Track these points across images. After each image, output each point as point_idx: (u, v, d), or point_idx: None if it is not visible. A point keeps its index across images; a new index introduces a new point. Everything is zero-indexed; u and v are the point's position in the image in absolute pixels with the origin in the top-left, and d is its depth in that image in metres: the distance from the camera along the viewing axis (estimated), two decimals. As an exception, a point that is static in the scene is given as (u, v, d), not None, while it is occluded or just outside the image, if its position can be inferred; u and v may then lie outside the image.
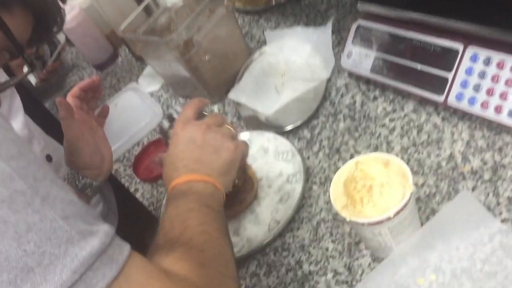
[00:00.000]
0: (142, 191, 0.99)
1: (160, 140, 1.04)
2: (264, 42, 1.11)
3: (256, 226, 0.78)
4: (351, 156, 0.80)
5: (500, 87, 0.68)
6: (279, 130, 0.90)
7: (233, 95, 1.00)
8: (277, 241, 0.76)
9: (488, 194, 0.66)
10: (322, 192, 0.78)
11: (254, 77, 1.02)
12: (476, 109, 0.71)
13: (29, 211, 0.40)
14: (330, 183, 0.73)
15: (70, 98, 0.81)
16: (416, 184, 0.71)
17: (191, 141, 0.65)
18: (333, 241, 0.72)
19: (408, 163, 0.74)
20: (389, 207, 0.60)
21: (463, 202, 0.65)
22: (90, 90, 0.85)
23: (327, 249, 0.71)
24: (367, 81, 0.89)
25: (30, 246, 0.39)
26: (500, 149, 0.69)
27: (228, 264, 0.56)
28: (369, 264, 0.67)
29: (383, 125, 0.81)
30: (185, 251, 0.52)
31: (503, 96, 0.68)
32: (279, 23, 1.15)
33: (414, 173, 0.72)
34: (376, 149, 0.78)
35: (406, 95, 0.82)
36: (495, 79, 0.68)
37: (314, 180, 0.80)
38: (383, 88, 0.86)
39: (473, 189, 0.67)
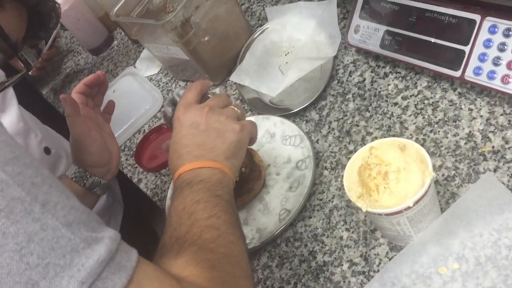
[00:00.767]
0: (146, 182, 0.96)
1: (162, 127, 1.00)
2: (265, 19, 1.05)
3: (266, 216, 0.75)
4: (363, 138, 0.76)
5: (522, 60, 0.63)
6: (285, 112, 0.85)
7: (235, 77, 0.95)
8: (288, 231, 0.73)
9: (511, 175, 0.62)
10: (334, 177, 0.74)
11: (256, 57, 0.97)
12: (496, 84, 0.66)
13: (29, 220, 0.37)
14: (341, 168, 0.70)
15: (75, 94, 0.79)
16: (434, 167, 0.67)
17: (193, 125, 0.62)
18: (347, 230, 0.68)
19: (424, 144, 0.70)
20: (407, 195, 0.56)
21: (485, 185, 0.61)
22: (95, 86, 0.82)
23: (341, 238, 0.68)
24: (377, 57, 0.84)
25: (33, 258, 0.37)
26: (523, 126, 0.65)
27: (240, 262, 0.53)
28: (387, 253, 0.64)
29: (396, 104, 0.77)
30: (194, 253, 0.49)
31: (526, 69, 0.63)
32: (280, -3, 1.09)
33: (431, 154, 0.68)
34: (388, 129, 0.74)
35: (419, 71, 0.78)
36: (516, 51, 0.64)
37: (324, 165, 0.76)
38: (394, 64, 0.81)
39: (495, 170, 0.63)
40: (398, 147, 0.59)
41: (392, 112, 0.76)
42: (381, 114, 0.77)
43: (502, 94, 0.67)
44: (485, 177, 0.62)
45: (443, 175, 0.66)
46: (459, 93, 0.72)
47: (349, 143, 0.76)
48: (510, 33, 0.64)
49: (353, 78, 0.84)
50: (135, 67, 1.21)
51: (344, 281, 0.64)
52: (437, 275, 0.58)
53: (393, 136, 0.73)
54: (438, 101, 0.73)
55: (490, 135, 0.66)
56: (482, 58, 0.67)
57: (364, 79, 0.83)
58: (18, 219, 0.37)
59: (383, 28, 0.79)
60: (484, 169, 0.64)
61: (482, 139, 0.66)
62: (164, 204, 0.86)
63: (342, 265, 0.66)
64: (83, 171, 0.76)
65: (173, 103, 0.69)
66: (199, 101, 0.66)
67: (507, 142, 0.64)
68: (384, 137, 0.71)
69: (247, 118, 0.87)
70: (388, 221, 0.57)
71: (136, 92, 1.13)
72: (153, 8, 1.00)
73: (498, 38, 0.66)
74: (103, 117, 0.83)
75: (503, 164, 0.63)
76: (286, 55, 0.95)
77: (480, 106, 0.69)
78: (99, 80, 0.82)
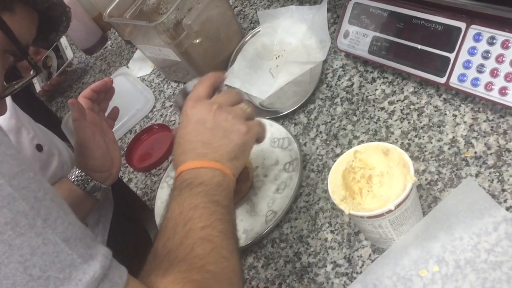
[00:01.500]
0: (136, 181, 0.96)
1: (153, 127, 1.01)
2: (257, 22, 1.07)
3: (253, 217, 0.76)
4: (349, 142, 0.77)
5: (505, 68, 0.65)
6: (274, 114, 0.87)
7: (226, 79, 0.96)
8: (274, 232, 0.74)
9: (492, 181, 0.63)
10: (320, 180, 0.75)
11: (247, 60, 0.98)
12: (480, 91, 0.67)
13: (33, 233, 0.39)
14: (328, 170, 0.71)
15: (81, 99, 0.80)
16: (417, 171, 0.68)
17: (200, 122, 0.61)
18: (332, 232, 0.69)
19: (408, 148, 0.71)
20: (390, 198, 0.57)
21: (466, 189, 0.63)
22: (102, 92, 0.83)
23: (326, 240, 0.69)
24: (365, 62, 0.85)
25: (36, 270, 0.38)
26: (505, 133, 0.66)
27: (230, 279, 0.52)
28: (370, 255, 0.65)
29: (382, 109, 0.78)
30: (182, 272, 0.49)
31: (508, 77, 0.64)
32: (272, 1, 1.10)
33: (415, 158, 0.70)
34: (375, 134, 0.76)
35: (406, 77, 0.79)
36: (499, 59, 0.65)
37: (311, 167, 0.77)
38: (382, 69, 0.83)
39: (477, 175, 0.64)
40: (382, 151, 0.60)
41: (379, 116, 0.77)
42: (368, 119, 0.78)
43: (485, 101, 0.68)
44: (466, 182, 0.63)
45: (426, 179, 0.67)
46: (444, 99, 0.74)
47: (336, 147, 0.78)
48: (494, 41, 0.66)
49: (342, 83, 0.85)
50: (128, 67, 1.22)
51: (327, 282, 0.65)
52: (418, 278, 0.60)
53: (379, 140, 0.74)
54: (423, 107, 0.74)
55: (473, 141, 0.68)
56: (466, 65, 0.69)
57: (353, 84, 0.84)
58: (22, 232, 0.38)
59: (371, 33, 0.80)
60: (466, 174, 0.65)
61: (465, 144, 0.68)
62: (153, 204, 0.87)
63: (326, 266, 0.67)
64: (85, 175, 0.78)
65: (185, 94, 0.69)
66: (210, 95, 0.65)
67: (489, 148, 0.66)
68: (371, 141, 0.72)
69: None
70: (370, 223, 0.58)
71: (128, 92, 1.14)
72: (146, 9, 1.01)
73: (482, 46, 0.67)
74: (107, 122, 0.84)
75: (485, 170, 0.64)
76: (276, 58, 0.96)
77: (464, 112, 0.71)
78: (107, 86, 0.83)
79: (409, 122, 0.74)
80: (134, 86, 1.14)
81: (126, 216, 1.13)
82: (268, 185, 0.78)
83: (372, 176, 0.60)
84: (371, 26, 0.80)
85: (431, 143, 0.70)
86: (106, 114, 0.86)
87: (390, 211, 0.55)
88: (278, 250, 0.72)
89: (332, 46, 0.91)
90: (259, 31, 1.03)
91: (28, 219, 0.39)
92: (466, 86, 0.69)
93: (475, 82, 0.68)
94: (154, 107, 1.08)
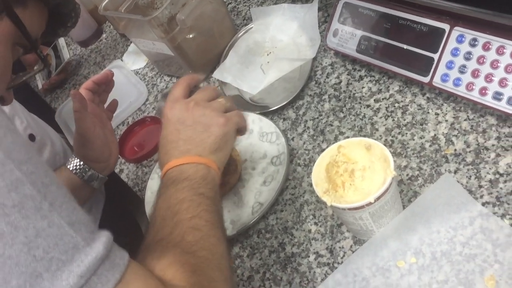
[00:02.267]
0: (127, 172, 0.98)
1: (146, 120, 1.03)
2: (250, 19, 1.09)
3: (240, 209, 0.78)
4: (336, 138, 0.79)
5: (485, 69, 0.67)
6: (264, 110, 0.89)
7: (218, 74, 0.99)
8: (260, 223, 0.76)
9: (470, 177, 0.65)
10: (306, 174, 0.78)
11: (239, 56, 1.00)
12: (461, 91, 0.70)
13: (38, 216, 0.40)
14: (314, 165, 0.73)
15: (83, 90, 0.82)
16: (399, 167, 0.71)
17: (179, 121, 0.63)
18: (316, 223, 0.72)
19: (391, 145, 0.74)
20: (370, 191, 0.59)
21: (444, 185, 0.65)
22: (103, 84, 0.85)
23: (309, 231, 0.71)
24: (353, 61, 0.87)
25: (39, 251, 0.39)
26: (484, 131, 0.69)
27: (219, 265, 0.54)
28: (351, 246, 0.67)
29: (368, 106, 0.80)
30: (177, 254, 0.51)
31: (488, 78, 0.67)
32: (265, -1, 1.12)
33: (398, 155, 0.72)
34: (360, 130, 0.78)
35: (392, 75, 0.81)
36: (480, 60, 0.67)
37: (298, 161, 0.80)
38: (369, 68, 0.85)
39: (456, 171, 0.67)
40: (365, 146, 0.63)
41: (365, 113, 0.80)
42: (354, 115, 0.80)
43: (466, 101, 0.71)
44: (444, 178, 0.66)
45: (407, 175, 0.70)
46: (428, 98, 0.76)
47: (322, 142, 0.80)
48: (476, 43, 0.68)
49: (330, 80, 0.88)
50: (122, 60, 1.23)
51: (309, 272, 0.68)
52: (396, 268, 0.62)
53: (364, 136, 0.77)
54: (407, 105, 0.77)
55: (453, 138, 0.70)
56: (449, 65, 0.71)
57: (341, 81, 0.86)
58: (28, 214, 0.39)
59: (360, 33, 0.82)
60: (445, 170, 0.67)
61: (445, 142, 0.70)
62: (143, 194, 0.89)
63: (309, 256, 0.69)
64: (84, 165, 0.80)
65: (166, 98, 0.71)
66: (187, 95, 0.66)
67: (468, 146, 0.68)
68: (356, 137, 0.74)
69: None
70: (351, 215, 0.61)
71: (122, 85, 1.15)
72: (141, 4, 1.03)
73: (465, 47, 0.69)
74: (106, 114, 0.86)
75: (463, 167, 0.67)
76: (268, 55, 0.99)
77: (446, 111, 0.73)
78: (107, 79, 0.85)
79: (393, 120, 0.76)
80: (127, 79, 1.16)
81: (117, 207, 1.15)
82: (256, 178, 0.80)
83: (354, 170, 0.62)
84: (359, 25, 0.82)
85: (414, 140, 0.73)
86: (105, 106, 0.88)
87: (370, 203, 0.58)
88: (263, 241, 0.74)
89: (322, 44, 0.93)
90: (251, 27, 1.05)
91: (35, 202, 0.40)
92: (449, 86, 0.71)
93: (457, 82, 0.70)
94: (147, 100, 1.09)
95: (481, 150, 0.67)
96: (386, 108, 0.78)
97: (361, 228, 0.63)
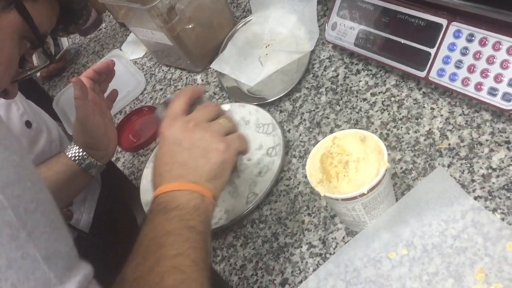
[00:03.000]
0: (123, 160, 0.99)
1: (143, 109, 1.03)
2: (249, 11, 1.09)
3: (235, 198, 0.78)
4: (331, 130, 0.80)
5: (481, 65, 0.67)
6: (261, 101, 0.89)
7: (216, 65, 0.99)
8: (254, 213, 0.76)
9: (463, 171, 0.66)
10: (301, 165, 0.78)
11: (238, 48, 1.01)
12: (457, 86, 0.70)
13: (13, 245, 0.37)
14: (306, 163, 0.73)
15: (84, 79, 0.82)
16: (393, 160, 0.71)
17: (176, 142, 0.60)
18: (309, 214, 0.72)
19: (386, 138, 0.74)
20: (364, 183, 0.60)
21: (438, 178, 0.66)
22: (104, 73, 0.85)
23: (303, 222, 0.72)
24: (351, 54, 0.88)
25: (7, 284, 0.36)
26: (478, 127, 0.69)
27: None
28: (343, 237, 0.68)
29: (365, 100, 0.81)
30: None
31: (484, 73, 0.67)
32: (265, -9, 1.12)
33: (392, 148, 0.72)
34: (356, 123, 0.78)
35: (389, 70, 0.82)
36: (477, 56, 0.68)
37: (293, 153, 0.80)
38: (366, 61, 0.85)
39: (449, 166, 0.67)
40: (359, 138, 0.63)
41: (361, 107, 0.80)
42: (350, 108, 0.81)
43: (462, 96, 0.71)
44: (437, 171, 0.66)
45: (401, 168, 0.70)
46: (424, 92, 0.77)
47: (318, 134, 0.80)
48: (473, 38, 0.68)
49: (328, 73, 0.88)
50: (121, 50, 1.24)
51: (302, 262, 0.68)
52: (387, 259, 0.63)
53: (360, 129, 0.77)
54: (403, 99, 0.77)
55: (448, 133, 0.70)
56: (446, 60, 0.71)
57: (338, 75, 0.87)
58: (3, 242, 0.37)
59: (358, 27, 0.83)
60: (439, 164, 0.68)
61: (440, 136, 0.71)
62: (139, 183, 0.89)
63: (302, 247, 0.70)
64: (82, 152, 0.81)
65: (166, 106, 0.69)
66: (187, 111, 0.63)
67: (462, 141, 0.69)
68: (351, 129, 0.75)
69: (225, 104, 0.91)
70: (344, 206, 0.61)
71: (120, 74, 1.15)
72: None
73: (461, 42, 0.70)
74: (106, 103, 0.86)
75: (457, 161, 0.67)
76: (266, 47, 0.99)
77: (442, 106, 0.74)
78: (108, 68, 0.86)
79: (389, 114, 0.77)
80: (126, 69, 1.16)
81: (112, 195, 1.15)
82: (251, 168, 0.81)
83: (348, 162, 0.63)
84: (358, 19, 0.83)
85: (409, 134, 0.73)
86: (105, 95, 0.88)
87: (363, 194, 0.58)
88: (257, 230, 0.74)
89: (320, 38, 0.93)
90: (250, 19, 1.05)
91: (12, 230, 0.37)
92: (444, 81, 0.72)
93: (453, 77, 0.71)
94: (144, 89, 1.10)
95: (475, 145, 0.68)
96: (382, 102, 0.79)
97: (354, 220, 0.64)
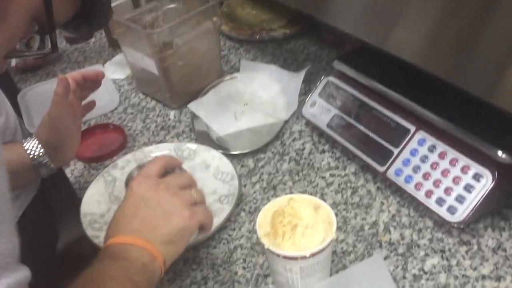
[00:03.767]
0: (73, 168, 0.97)
1: (108, 125, 1.03)
2: (237, 70, 1.14)
3: (175, 233, 0.78)
4: (285, 196, 0.82)
5: (436, 175, 0.73)
6: (226, 151, 0.91)
7: (193, 106, 1.01)
8: (190, 252, 0.76)
9: (397, 266, 0.69)
10: (248, 220, 0.79)
11: (218, 97, 1.04)
12: (410, 188, 0.75)
13: None
14: (258, 215, 0.75)
15: (70, 79, 0.81)
16: (336, 238, 0.74)
17: (142, 198, 0.61)
18: (244, 268, 0.72)
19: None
20: (307, 249, 0.62)
21: (373, 265, 0.68)
22: (90, 81, 0.85)
23: (236, 274, 0.72)
24: (321, 134, 0.93)
25: None
26: (420, 231, 0.74)
27: None
28: (271, 299, 0.68)
29: (323, 177, 0.84)
30: None
31: (436, 183, 0.73)
32: (256, 57, 1.18)
33: (338, 228, 0.75)
34: (310, 196, 0.81)
35: (352, 157, 0.87)
36: (434, 166, 0.74)
37: (244, 207, 0.82)
38: (333, 144, 0.90)
39: (386, 258, 0.71)
40: (313, 206, 0.66)
41: (318, 183, 0.84)
42: (308, 182, 0.84)
43: (411, 199, 0.76)
44: (374, 258, 0.69)
45: (342, 248, 0.73)
46: (378, 187, 0.81)
47: (272, 196, 0.83)
48: (434, 149, 0.75)
49: (295, 144, 0.92)
50: (103, 66, 1.25)
51: (224, 311, 0.68)
52: (308, 330, 0.63)
53: (312, 203, 0.80)
54: (358, 187, 0.82)
55: (391, 228, 0.74)
56: (405, 163, 0.77)
57: (304, 148, 0.91)
58: None
59: (334, 111, 0.88)
60: (377, 254, 0.71)
61: (383, 229, 0.74)
62: (82, 194, 0.87)
63: (228, 297, 0.69)
64: (40, 148, 0.79)
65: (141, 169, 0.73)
66: (161, 175, 0.65)
67: (403, 239, 0.73)
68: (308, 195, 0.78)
69: (191, 144, 0.92)
70: (282, 265, 0.62)
71: (96, 88, 1.16)
72: (141, 22, 1.06)
73: (423, 150, 0.76)
74: (81, 111, 0.86)
75: (394, 255, 0.71)
76: (244, 105, 1.03)
77: (391, 203, 0.78)
78: (97, 78, 0.86)
79: (342, 196, 0.81)
80: (103, 84, 1.13)
81: (45, 203, 1.11)
82: (200, 210, 0.81)
83: (297, 226, 0.65)
84: (336, 104, 0.88)
85: (356, 219, 0.77)
86: (83, 103, 0.88)
87: (305, 257, 0.60)
88: (188, 270, 0.74)
89: (296, 112, 0.98)
90: (236, 77, 1.10)
91: None
92: (400, 181, 0.77)
93: (408, 179, 0.76)
94: (115, 109, 1.10)
95: (413, 246, 0.72)
96: (339, 184, 0.83)
97: (287, 282, 0.65)
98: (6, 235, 0.41)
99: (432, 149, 0.75)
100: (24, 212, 1.00)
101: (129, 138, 1.01)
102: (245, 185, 0.86)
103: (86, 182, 0.93)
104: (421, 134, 0.77)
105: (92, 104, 0.90)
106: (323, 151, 0.90)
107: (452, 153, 0.73)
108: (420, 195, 0.74)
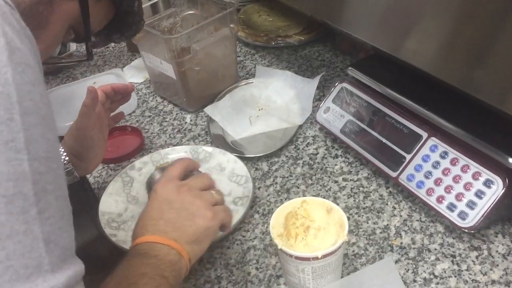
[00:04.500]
0: (91, 168, 0.99)
1: (126, 128, 1.06)
2: (253, 75, 1.16)
3: (190, 233, 0.80)
4: (298, 199, 0.84)
5: (447, 181, 0.74)
6: (240, 154, 0.93)
7: (209, 110, 1.04)
8: (205, 252, 0.77)
9: (408, 270, 0.70)
10: (262, 222, 0.81)
11: (233, 102, 1.06)
12: (421, 193, 0.76)
13: (21, 218, 0.38)
14: (271, 216, 0.77)
15: (99, 91, 0.82)
16: (348, 241, 0.75)
17: (167, 201, 0.64)
18: (257, 268, 0.74)
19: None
20: (319, 250, 0.63)
21: (384, 268, 0.70)
22: (120, 94, 0.87)
23: (249, 274, 0.73)
24: (334, 139, 0.94)
25: (2, 253, 0.37)
26: (431, 235, 0.75)
27: None
28: (283, 299, 0.70)
29: (336, 182, 0.86)
30: None
31: (448, 189, 0.74)
32: (272, 63, 1.21)
33: (350, 231, 0.77)
34: (322, 200, 0.83)
35: (364, 163, 0.88)
36: (445, 172, 0.75)
37: (257, 209, 0.83)
38: (346, 150, 0.92)
39: (397, 261, 0.72)
40: (326, 208, 0.67)
41: (331, 187, 0.85)
42: (321, 185, 0.86)
43: (423, 204, 0.77)
44: (385, 261, 0.71)
45: (353, 251, 0.74)
46: (390, 191, 0.82)
47: (285, 199, 0.84)
48: (446, 156, 0.76)
49: (309, 149, 0.94)
50: (122, 70, 1.28)
51: (237, 310, 0.69)
52: (319, 330, 0.65)
53: (324, 206, 0.82)
54: (371, 192, 0.83)
55: (403, 233, 0.76)
56: (417, 168, 0.78)
57: (318, 153, 0.92)
58: (13, 212, 0.37)
59: (348, 116, 0.90)
60: (388, 257, 0.72)
61: (395, 233, 0.76)
62: (100, 194, 0.90)
63: (241, 296, 0.71)
64: (65, 156, 0.80)
65: (161, 171, 0.75)
66: (182, 177, 0.69)
67: (414, 243, 0.74)
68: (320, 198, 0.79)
69: (206, 147, 0.94)
70: (295, 265, 0.64)
71: (114, 91, 1.18)
72: (160, 27, 1.09)
73: (435, 156, 0.77)
74: (109, 121, 0.88)
75: (405, 259, 0.72)
76: (259, 110, 1.05)
77: (403, 208, 0.79)
78: (126, 91, 0.87)
79: (354, 200, 0.82)
80: (122, 88, 1.19)
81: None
82: (214, 211, 0.83)
83: (310, 228, 0.66)
84: (350, 110, 0.90)
85: (367, 223, 0.78)
86: (112, 114, 0.90)
87: (317, 258, 0.61)
88: (202, 269, 0.75)
89: (310, 117, 1.00)
90: (252, 82, 1.12)
91: (25, 203, 0.38)
92: (412, 186, 0.78)
93: (420, 185, 0.77)
94: (133, 112, 1.13)
95: (424, 251, 0.73)
96: (351, 188, 0.84)
97: (299, 283, 0.66)
98: (67, 230, 0.43)
99: (444, 155, 0.76)
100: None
101: (146, 140, 1.03)
102: (259, 188, 0.88)
103: (105, 182, 0.95)
104: (433, 141, 0.78)
105: (120, 116, 0.92)
106: (336, 156, 0.91)
107: (463, 159, 0.74)
108: (431, 200, 0.75)
